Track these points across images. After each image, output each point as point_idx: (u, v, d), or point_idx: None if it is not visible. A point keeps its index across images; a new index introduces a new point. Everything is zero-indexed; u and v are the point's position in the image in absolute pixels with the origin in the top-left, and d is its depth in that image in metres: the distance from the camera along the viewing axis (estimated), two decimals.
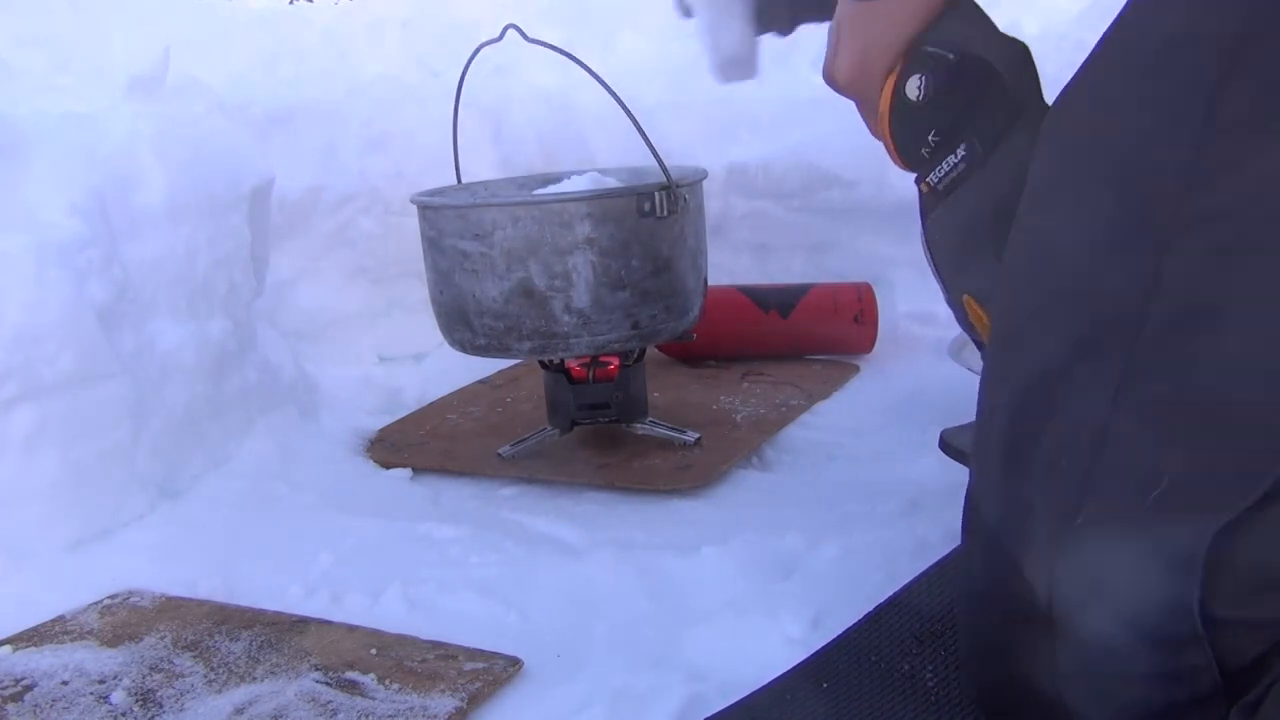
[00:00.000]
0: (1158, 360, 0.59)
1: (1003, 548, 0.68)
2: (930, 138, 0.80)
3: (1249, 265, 0.56)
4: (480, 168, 1.44)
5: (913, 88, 0.79)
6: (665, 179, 1.18)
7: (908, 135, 0.81)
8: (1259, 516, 0.58)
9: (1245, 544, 0.58)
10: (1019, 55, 0.79)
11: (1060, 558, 0.63)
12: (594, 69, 1.17)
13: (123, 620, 0.98)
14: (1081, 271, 0.63)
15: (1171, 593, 0.60)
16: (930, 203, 0.81)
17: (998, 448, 0.68)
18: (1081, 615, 0.63)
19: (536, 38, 1.18)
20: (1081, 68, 0.70)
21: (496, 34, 1.20)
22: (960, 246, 0.81)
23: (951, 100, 0.78)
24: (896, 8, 0.79)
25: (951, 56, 0.78)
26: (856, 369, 1.60)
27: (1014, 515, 0.67)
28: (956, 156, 0.79)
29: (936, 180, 0.80)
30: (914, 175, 0.83)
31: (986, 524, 0.70)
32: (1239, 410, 0.58)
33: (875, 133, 0.89)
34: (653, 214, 1.17)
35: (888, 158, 0.87)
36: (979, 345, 0.84)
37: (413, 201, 1.25)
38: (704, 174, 1.28)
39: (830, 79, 0.88)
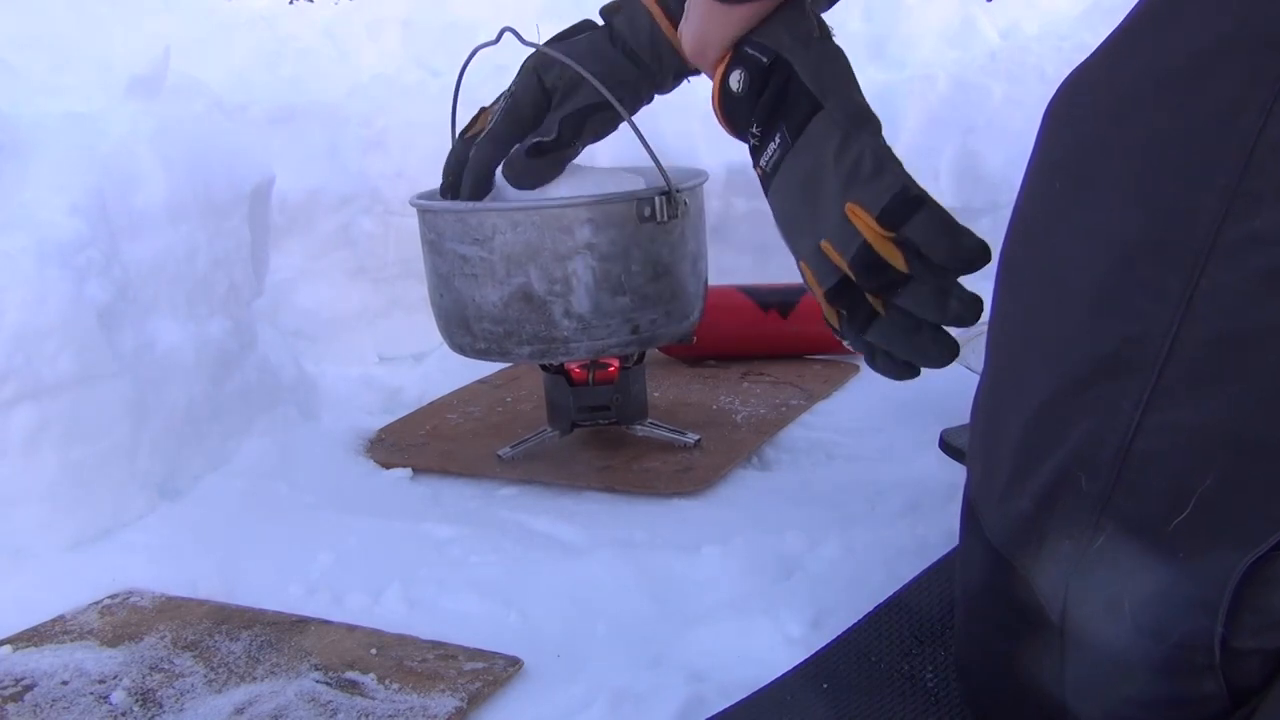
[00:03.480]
0: (1189, 384, 0.57)
1: (1005, 560, 0.67)
2: (754, 128, 0.91)
3: None
4: None
5: (734, 81, 0.91)
6: (665, 183, 1.18)
7: (735, 118, 0.94)
8: None
9: (1273, 579, 0.57)
10: (824, 57, 0.89)
11: (1076, 577, 0.62)
12: None
13: (123, 620, 0.98)
14: (1104, 288, 0.61)
15: (1194, 625, 0.59)
16: (765, 184, 0.92)
17: (1007, 461, 0.67)
18: (1096, 635, 0.62)
19: (533, 40, 1.18)
20: (1091, 64, 0.68)
21: (494, 36, 1.20)
22: (790, 217, 0.89)
23: (764, 95, 0.89)
24: (728, 11, 0.90)
25: (765, 60, 0.89)
26: (856, 369, 1.60)
27: (1025, 531, 0.65)
28: (775, 143, 0.89)
29: (765, 163, 0.90)
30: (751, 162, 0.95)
31: (988, 534, 0.69)
32: (1273, 441, 0.56)
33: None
34: (653, 219, 1.17)
35: None
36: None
37: (412, 204, 1.25)
38: (705, 177, 1.28)
39: (679, 43, 1.01)
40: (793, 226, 0.89)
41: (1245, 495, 0.57)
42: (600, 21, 1.14)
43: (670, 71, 1.12)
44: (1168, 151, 0.59)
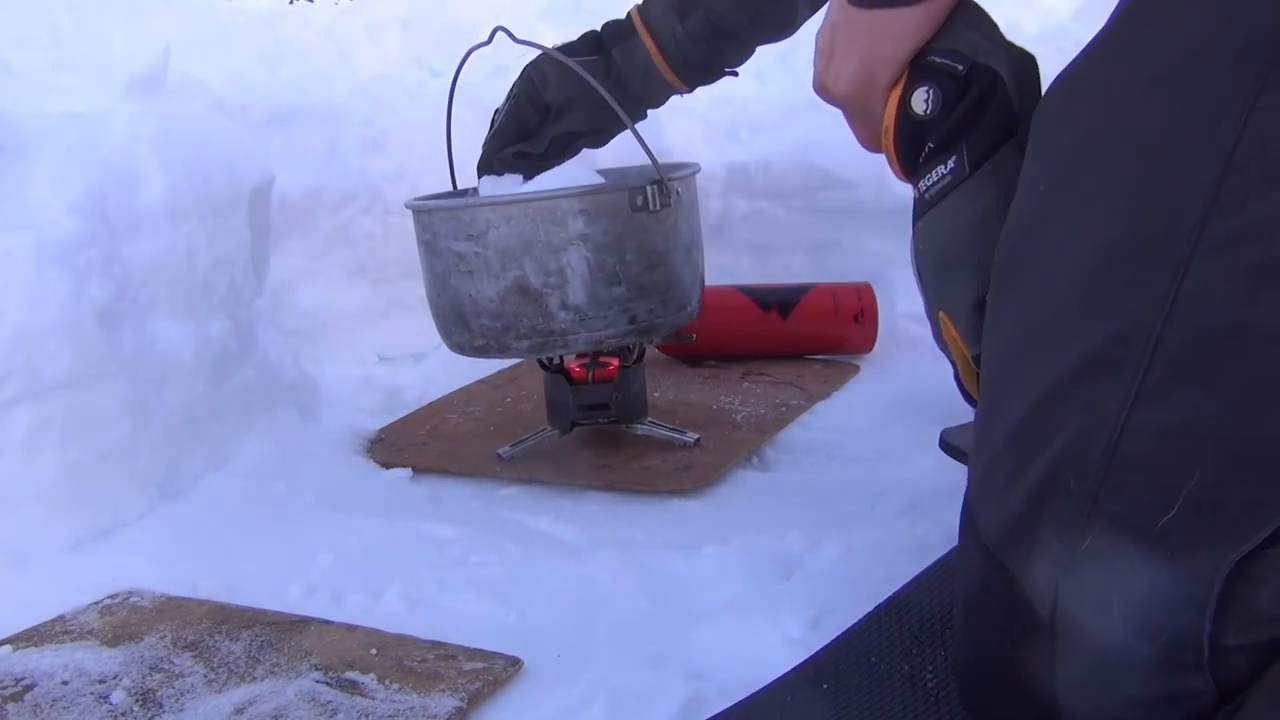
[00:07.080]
0: (1174, 383, 0.58)
1: (1000, 562, 0.67)
2: (926, 145, 0.78)
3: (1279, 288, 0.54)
4: None
5: (919, 101, 0.76)
6: (657, 174, 1.18)
7: (910, 148, 0.78)
8: (1274, 550, 0.56)
9: (1260, 577, 0.57)
10: (1024, 65, 0.76)
11: (1066, 578, 0.62)
12: None
13: (123, 620, 0.98)
14: (1092, 288, 0.61)
15: (1182, 623, 0.58)
16: (919, 210, 0.78)
17: (1000, 462, 0.67)
18: (1087, 634, 0.62)
19: (527, 39, 1.18)
20: (1078, 66, 0.68)
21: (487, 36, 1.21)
22: (941, 260, 0.78)
23: (956, 110, 0.75)
24: (902, 17, 0.75)
25: (960, 68, 0.75)
26: (856, 369, 1.60)
27: (1016, 531, 0.65)
28: (946, 167, 0.76)
29: (926, 188, 0.78)
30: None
31: (984, 535, 0.69)
32: (1261, 438, 0.56)
33: (867, 143, 0.86)
34: (645, 208, 1.17)
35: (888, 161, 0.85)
36: (952, 363, 0.83)
37: (407, 206, 1.25)
38: (696, 168, 1.28)
39: (823, 89, 0.84)
40: (946, 270, 0.77)
41: (1231, 493, 0.56)
42: (601, 33, 1.20)
43: (661, 96, 1.21)
44: (1154, 152, 0.59)
